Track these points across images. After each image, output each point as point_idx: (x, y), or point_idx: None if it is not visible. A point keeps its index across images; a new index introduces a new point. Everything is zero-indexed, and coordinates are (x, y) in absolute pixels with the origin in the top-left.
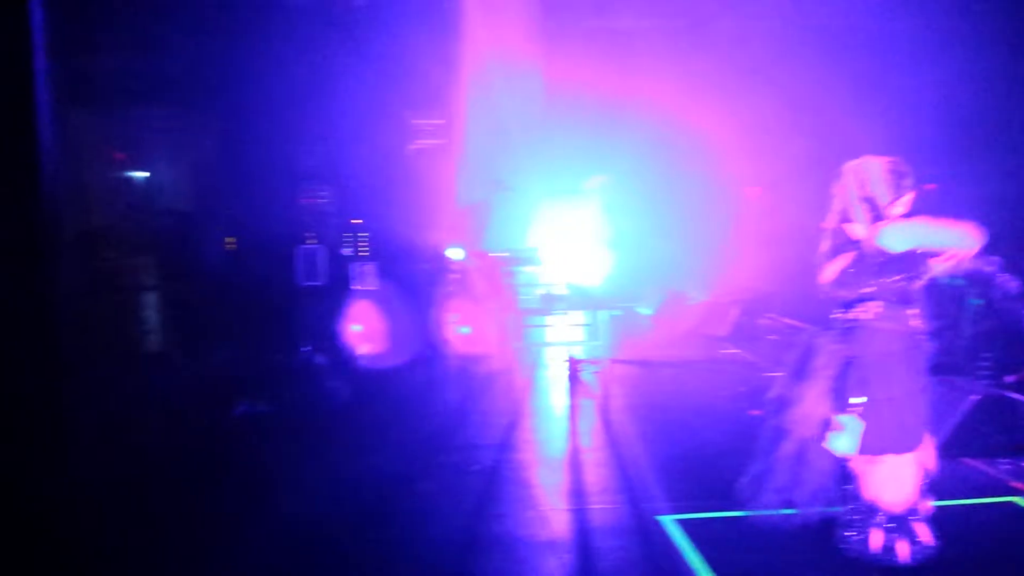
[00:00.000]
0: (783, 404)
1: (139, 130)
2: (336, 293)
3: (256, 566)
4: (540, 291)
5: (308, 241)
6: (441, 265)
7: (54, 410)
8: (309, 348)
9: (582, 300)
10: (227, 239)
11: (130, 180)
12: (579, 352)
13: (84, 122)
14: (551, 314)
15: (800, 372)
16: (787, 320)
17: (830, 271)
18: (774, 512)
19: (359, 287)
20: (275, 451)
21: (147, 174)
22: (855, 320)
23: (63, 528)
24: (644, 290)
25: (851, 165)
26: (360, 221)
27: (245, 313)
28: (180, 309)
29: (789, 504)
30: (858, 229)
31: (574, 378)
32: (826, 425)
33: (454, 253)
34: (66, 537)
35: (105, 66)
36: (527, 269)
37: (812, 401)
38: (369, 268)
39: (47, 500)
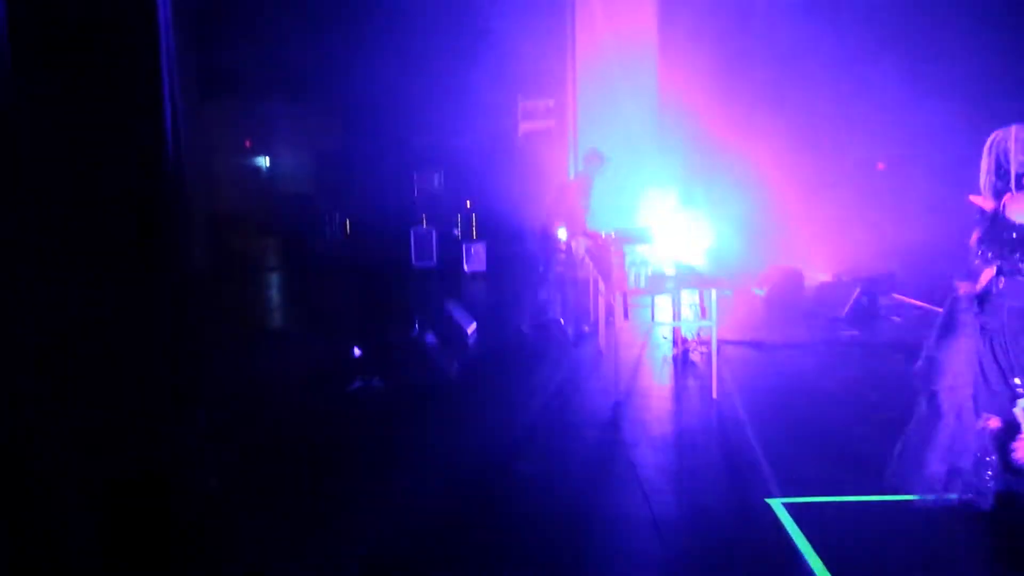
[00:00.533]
0: (931, 375)
1: (266, 121)
2: (448, 274)
3: (374, 542)
4: (649, 270)
5: (421, 224)
6: (550, 245)
7: (187, 386)
8: (421, 326)
9: (692, 279)
10: (346, 222)
11: (257, 167)
12: (689, 333)
13: (216, 114)
14: (660, 294)
15: (945, 344)
16: (911, 300)
17: (974, 241)
18: (907, 497)
19: (470, 268)
20: (388, 426)
21: (273, 161)
22: (990, 292)
23: (192, 504)
24: (758, 269)
25: (996, 135)
26: (470, 203)
27: (361, 293)
28: (301, 289)
29: (935, 487)
30: (997, 200)
31: (683, 359)
32: (977, 398)
33: (563, 233)
34: (194, 512)
35: (235, 60)
36: (637, 248)
37: (958, 372)
38: (479, 249)
39: (178, 478)
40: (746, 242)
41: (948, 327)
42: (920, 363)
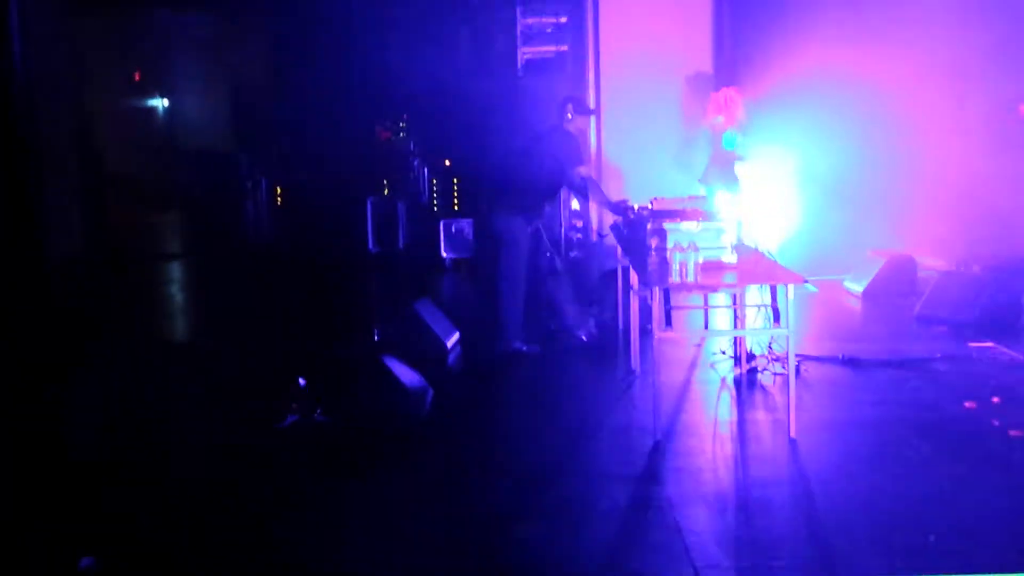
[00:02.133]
0: None
1: (164, 45)
2: (419, 262)
3: None
4: (701, 258)
5: (382, 192)
6: (564, 222)
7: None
8: (382, 337)
9: (762, 270)
10: (275, 191)
11: (151, 110)
12: (757, 346)
13: (90, 35)
14: (718, 291)
15: None
16: None
17: None
18: None
19: (450, 254)
20: (335, 478)
21: (172, 103)
22: None
23: None
24: (853, 255)
25: None
26: (451, 164)
27: (298, 289)
28: (212, 284)
29: None
30: None
31: (748, 382)
32: None
33: (582, 205)
34: None
35: None
36: (684, 226)
37: None
38: (463, 227)
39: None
40: (837, 218)
41: None
42: None
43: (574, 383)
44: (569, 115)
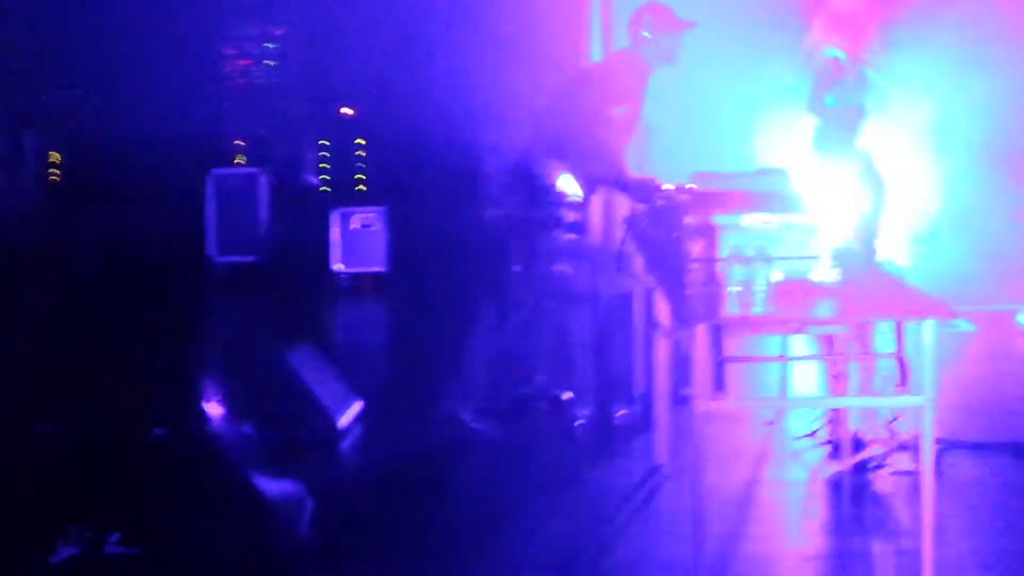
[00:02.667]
0: None
1: None
2: (295, 280)
3: None
4: (775, 276)
5: (232, 161)
6: (541, 212)
7: None
8: (229, 408)
9: (878, 297)
10: (52, 159)
11: None
12: (866, 423)
13: None
14: (806, 331)
15: None
16: None
17: None
18: None
19: (348, 266)
20: None
21: None
22: None
23: None
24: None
25: None
26: (353, 112)
27: (84, 323)
28: None
29: None
30: None
31: (854, 486)
32: None
33: (568, 183)
34: None
35: None
36: (746, 223)
37: None
38: (371, 223)
39: None
40: (1006, 211)
41: None
42: None
43: (555, 489)
44: (646, 32)
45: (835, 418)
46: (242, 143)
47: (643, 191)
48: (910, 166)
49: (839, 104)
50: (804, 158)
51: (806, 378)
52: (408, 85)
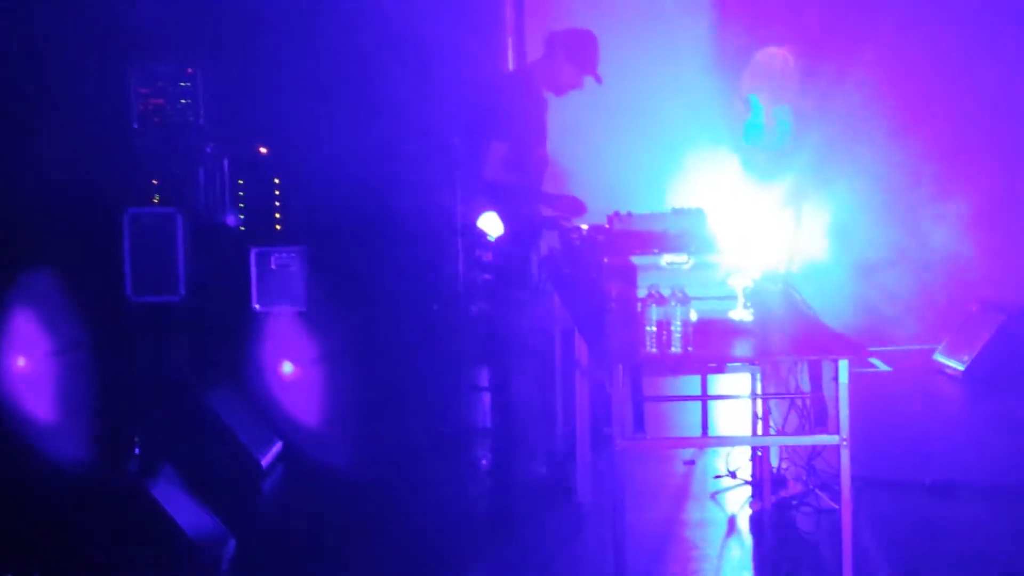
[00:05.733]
0: None
1: None
2: (214, 319)
3: None
4: (693, 316)
5: (151, 200)
6: (460, 251)
7: None
8: (149, 448)
9: (795, 336)
10: None
11: None
12: (789, 464)
13: None
14: (725, 370)
15: None
16: None
17: None
18: None
19: (267, 305)
20: None
21: None
22: None
23: None
24: (948, 311)
25: None
26: (268, 151)
27: None
28: None
29: None
30: None
31: (775, 523)
32: None
33: (492, 224)
34: None
35: None
36: (666, 261)
37: None
38: (290, 259)
39: None
40: (922, 248)
41: None
42: None
43: (471, 530)
44: (562, 65)
45: (755, 457)
46: (157, 182)
47: (570, 205)
48: (833, 209)
49: (759, 147)
50: (723, 198)
51: (727, 418)
52: (325, 123)
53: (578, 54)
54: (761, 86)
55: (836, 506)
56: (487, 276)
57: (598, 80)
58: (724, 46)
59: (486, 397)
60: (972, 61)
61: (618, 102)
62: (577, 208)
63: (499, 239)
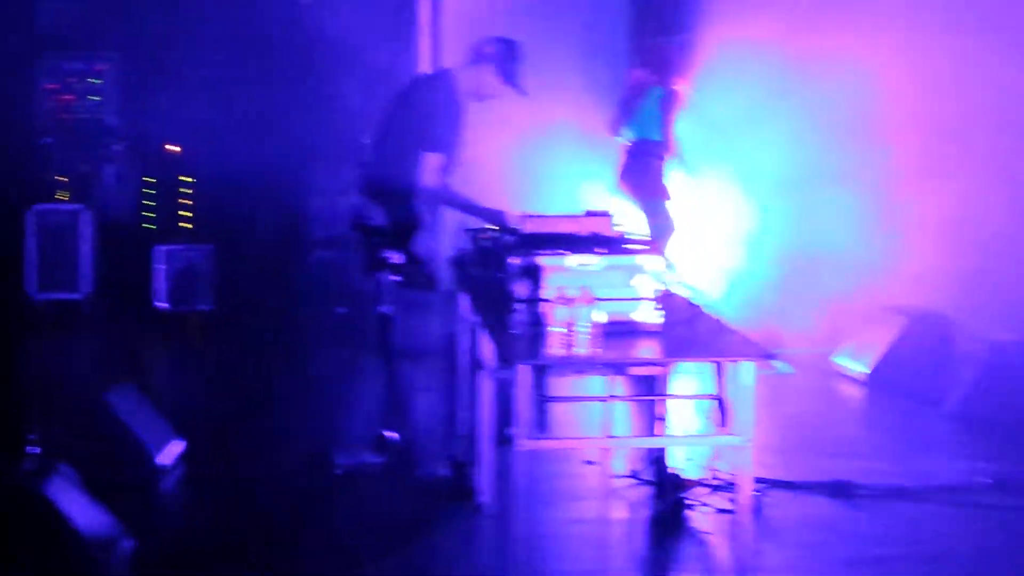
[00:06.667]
0: None
1: None
2: (117, 318)
3: None
4: (600, 317)
5: (53, 196)
6: (367, 253)
7: None
8: (45, 446)
9: (700, 340)
10: None
11: None
12: (685, 462)
13: None
14: (629, 371)
15: None
16: None
17: None
18: None
19: (171, 304)
20: None
21: None
22: None
23: None
24: (850, 315)
25: None
26: (179, 150)
27: None
28: None
29: None
30: None
31: (675, 524)
32: None
33: (400, 225)
34: None
35: None
36: (571, 263)
37: None
38: (198, 258)
39: None
40: (825, 254)
41: None
42: None
43: (372, 532)
44: (487, 74)
45: (657, 457)
46: (64, 179)
47: (497, 219)
48: (738, 214)
49: (646, 137)
50: (609, 191)
51: (630, 419)
52: (236, 123)
53: (506, 66)
54: (661, 80)
55: (735, 507)
56: (395, 278)
57: (523, 93)
58: (639, 46)
59: (391, 398)
60: (880, 59)
61: (529, 108)
62: (501, 219)
63: (409, 241)
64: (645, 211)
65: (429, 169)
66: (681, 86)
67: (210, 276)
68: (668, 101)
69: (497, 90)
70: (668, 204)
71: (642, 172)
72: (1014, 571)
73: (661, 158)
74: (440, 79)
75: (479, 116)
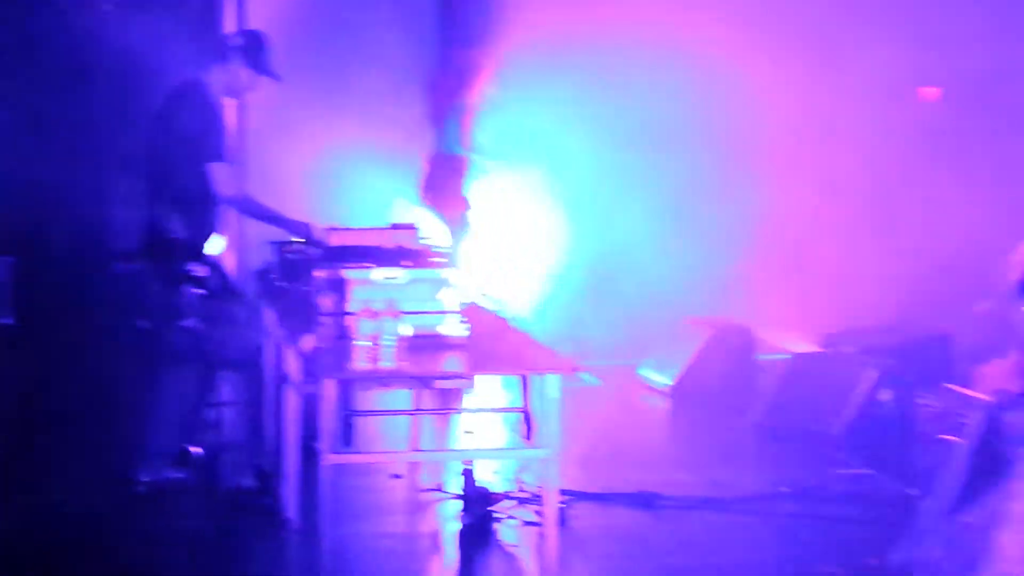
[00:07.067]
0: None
1: None
2: None
3: None
4: (406, 330)
5: None
6: (172, 265)
7: None
8: None
9: (507, 351)
10: None
11: None
12: (492, 475)
13: None
14: (435, 384)
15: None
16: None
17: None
18: None
19: None
20: None
21: None
22: None
23: None
24: (654, 328)
25: None
26: None
27: None
28: None
29: None
30: None
31: (481, 537)
32: None
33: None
34: None
35: None
36: (385, 276)
37: None
38: None
39: None
40: (629, 267)
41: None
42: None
43: (175, 547)
44: (237, 68)
45: (464, 471)
46: None
47: (303, 231)
48: (544, 228)
49: (449, 149)
50: (411, 205)
51: (437, 432)
52: (33, 131)
53: (252, 56)
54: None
55: (542, 520)
56: (199, 291)
57: (277, 79)
58: (444, 58)
59: (196, 412)
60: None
61: (333, 120)
62: (307, 232)
63: (210, 253)
64: (448, 224)
65: (221, 180)
66: (484, 97)
67: (10, 289)
68: (471, 113)
69: (251, 83)
70: (471, 215)
71: (445, 184)
72: (811, 572)
73: (464, 170)
74: (192, 87)
75: (283, 129)
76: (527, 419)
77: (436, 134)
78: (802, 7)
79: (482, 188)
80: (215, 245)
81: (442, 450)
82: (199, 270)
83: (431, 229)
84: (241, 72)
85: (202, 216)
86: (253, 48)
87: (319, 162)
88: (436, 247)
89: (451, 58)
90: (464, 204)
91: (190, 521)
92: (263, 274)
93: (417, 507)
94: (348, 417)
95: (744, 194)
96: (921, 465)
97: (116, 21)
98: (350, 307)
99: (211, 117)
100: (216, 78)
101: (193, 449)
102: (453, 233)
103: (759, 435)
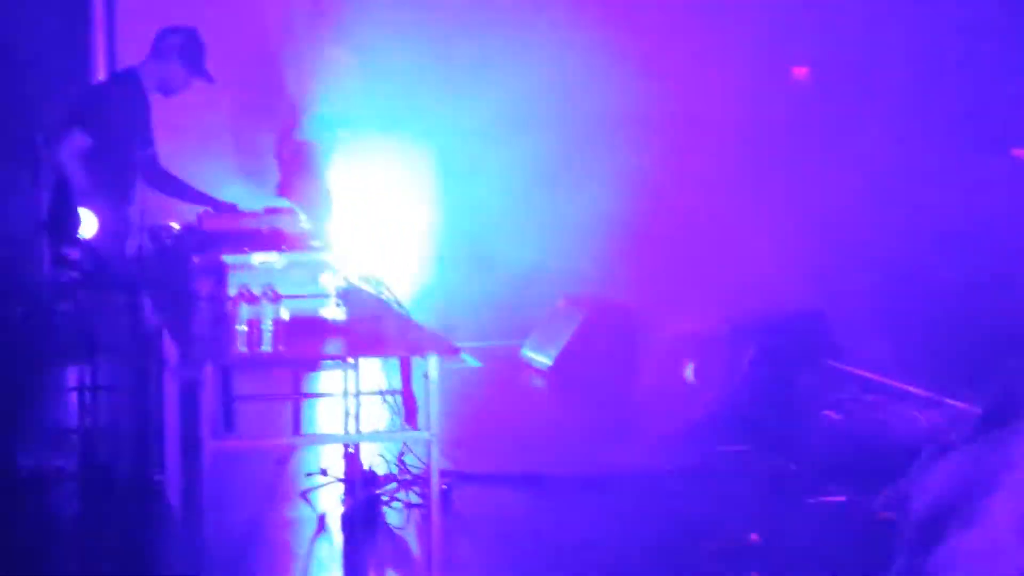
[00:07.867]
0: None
1: None
2: None
3: None
4: (284, 314)
5: None
6: (45, 249)
7: None
8: None
9: (388, 333)
10: None
11: None
12: (377, 458)
13: None
14: (317, 368)
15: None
16: (872, 375)
17: None
18: None
19: None
20: None
21: None
22: None
23: None
24: (534, 307)
25: None
26: None
27: None
28: None
29: None
30: None
31: (365, 520)
32: None
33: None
34: None
35: None
36: (264, 260)
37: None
38: None
39: None
40: (508, 248)
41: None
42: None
43: (54, 534)
44: (174, 66)
45: (348, 454)
46: None
47: (225, 208)
48: (418, 211)
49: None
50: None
51: (319, 416)
52: None
53: (189, 55)
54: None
55: (426, 502)
56: (74, 275)
57: (211, 81)
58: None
59: (74, 399)
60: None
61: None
62: (227, 208)
63: (87, 237)
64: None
65: (70, 145)
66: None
67: None
68: (334, 104)
69: (184, 82)
70: (332, 197)
71: (300, 169)
72: (689, 555)
73: (316, 151)
74: (122, 76)
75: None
76: (408, 401)
77: (299, 122)
78: None
79: (343, 165)
80: (88, 228)
81: (324, 434)
82: (74, 254)
83: (303, 214)
84: (176, 71)
85: (72, 199)
86: (189, 48)
87: (191, 150)
88: (313, 230)
89: (318, 50)
90: (322, 186)
91: (71, 508)
92: (140, 259)
93: (301, 492)
94: (229, 403)
95: (624, 175)
96: (801, 440)
97: None
98: (228, 292)
99: (141, 108)
100: (149, 74)
101: (75, 435)
102: (315, 217)
103: (639, 413)
